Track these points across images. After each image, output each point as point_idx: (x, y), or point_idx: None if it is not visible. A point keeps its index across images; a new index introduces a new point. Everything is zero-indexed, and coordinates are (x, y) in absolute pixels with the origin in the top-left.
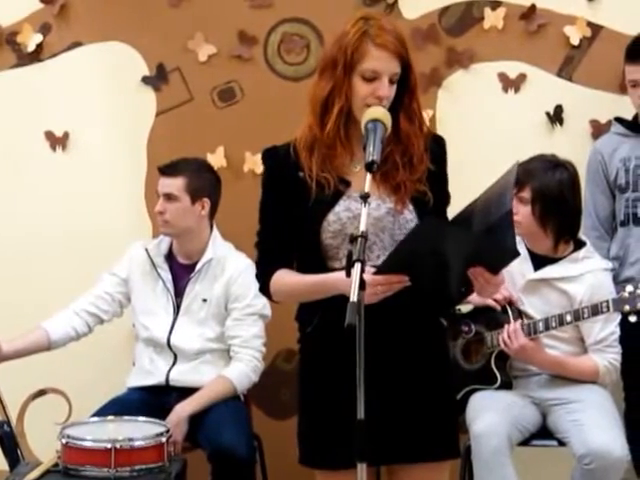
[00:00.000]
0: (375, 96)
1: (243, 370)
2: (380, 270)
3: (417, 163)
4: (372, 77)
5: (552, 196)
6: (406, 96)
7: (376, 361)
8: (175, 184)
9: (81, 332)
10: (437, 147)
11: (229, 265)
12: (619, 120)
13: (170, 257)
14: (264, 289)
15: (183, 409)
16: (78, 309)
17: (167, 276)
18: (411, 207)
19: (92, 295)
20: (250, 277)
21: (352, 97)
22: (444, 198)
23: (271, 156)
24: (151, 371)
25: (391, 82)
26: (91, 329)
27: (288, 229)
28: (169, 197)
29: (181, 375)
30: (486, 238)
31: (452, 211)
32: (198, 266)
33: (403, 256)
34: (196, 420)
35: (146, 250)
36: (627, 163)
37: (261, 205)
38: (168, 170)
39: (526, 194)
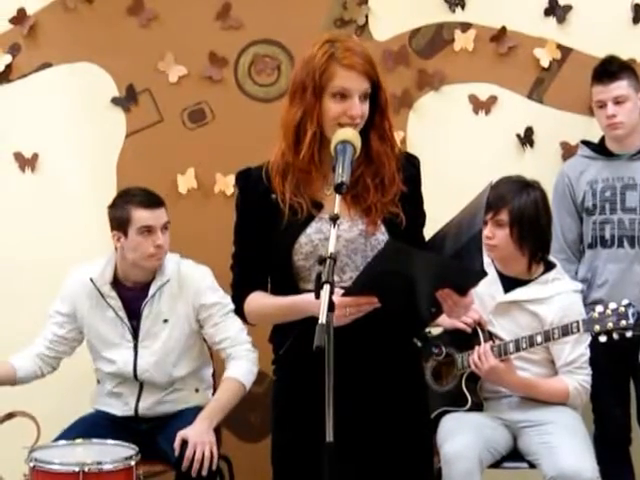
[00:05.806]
0: (348, 115)
1: (246, 366)
2: (348, 292)
3: (389, 184)
4: (342, 96)
5: (530, 217)
6: (377, 115)
7: (351, 383)
8: (165, 213)
9: (46, 372)
10: (411, 167)
11: (188, 282)
12: (586, 143)
13: (116, 283)
14: (239, 311)
15: (201, 430)
16: (40, 354)
17: (117, 304)
18: (383, 229)
19: (47, 340)
20: (209, 280)
21: (323, 120)
22: (419, 219)
23: (244, 178)
24: (119, 406)
25: (362, 100)
26: (56, 368)
27: (261, 251)
28: (166, 227)
29: (150, 408)
30: (451, 261)
31: (425, 233)
32: (153, 289)
33: (370, 278)
34: (160, 437)
35: (91, 280)
36: (594, 186)
37: (235, 227)
38: (158, 200)
39: (503, 217)
